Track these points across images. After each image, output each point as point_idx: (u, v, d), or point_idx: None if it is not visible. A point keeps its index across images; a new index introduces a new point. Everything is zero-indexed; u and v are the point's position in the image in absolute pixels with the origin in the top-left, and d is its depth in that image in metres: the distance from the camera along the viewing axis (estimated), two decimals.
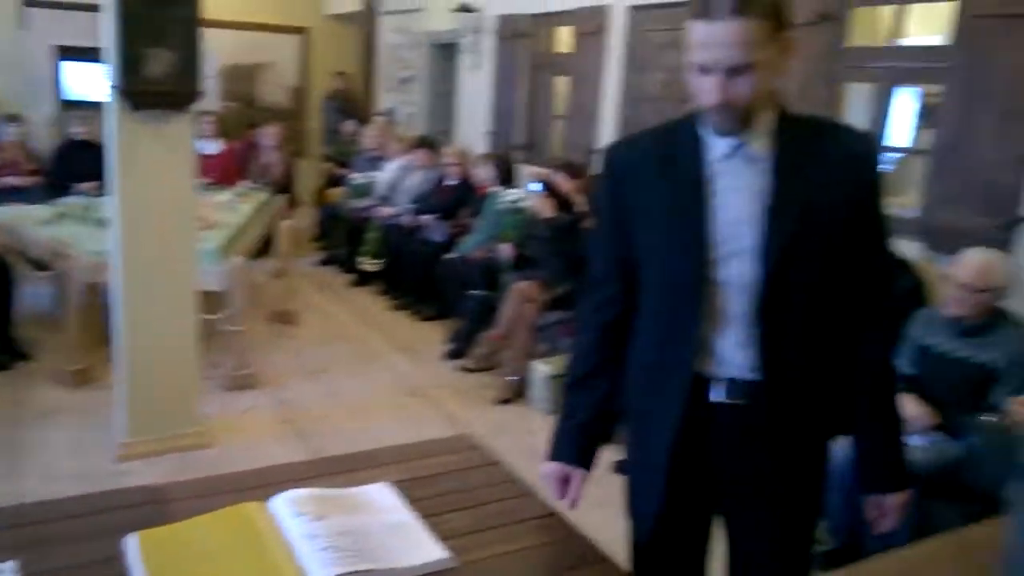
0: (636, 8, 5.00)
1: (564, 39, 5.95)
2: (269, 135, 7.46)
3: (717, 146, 1.44)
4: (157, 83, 3.20)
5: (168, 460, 3.33)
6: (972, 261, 2.77)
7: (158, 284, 3.30)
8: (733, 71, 1.31)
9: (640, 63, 4.99)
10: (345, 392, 4.30)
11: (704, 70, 1.34)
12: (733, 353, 1.47)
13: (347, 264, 6.78)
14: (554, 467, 1.66)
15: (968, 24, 3.24)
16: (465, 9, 6.60)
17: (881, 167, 1.48)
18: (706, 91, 1.35)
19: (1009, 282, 2.77)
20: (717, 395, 1.48)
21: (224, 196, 5.63)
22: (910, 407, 2.75)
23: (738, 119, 1.37)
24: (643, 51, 4.97)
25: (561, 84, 5.96)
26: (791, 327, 1.44)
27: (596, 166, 5.20)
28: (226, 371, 4.14)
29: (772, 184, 1.41)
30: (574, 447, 1.65)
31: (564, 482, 1.65)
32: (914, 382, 2.84)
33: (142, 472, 3.24)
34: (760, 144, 1.42)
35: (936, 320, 2.89)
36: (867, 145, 1.50)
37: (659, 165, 1.50)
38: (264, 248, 5.85)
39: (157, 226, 3.27)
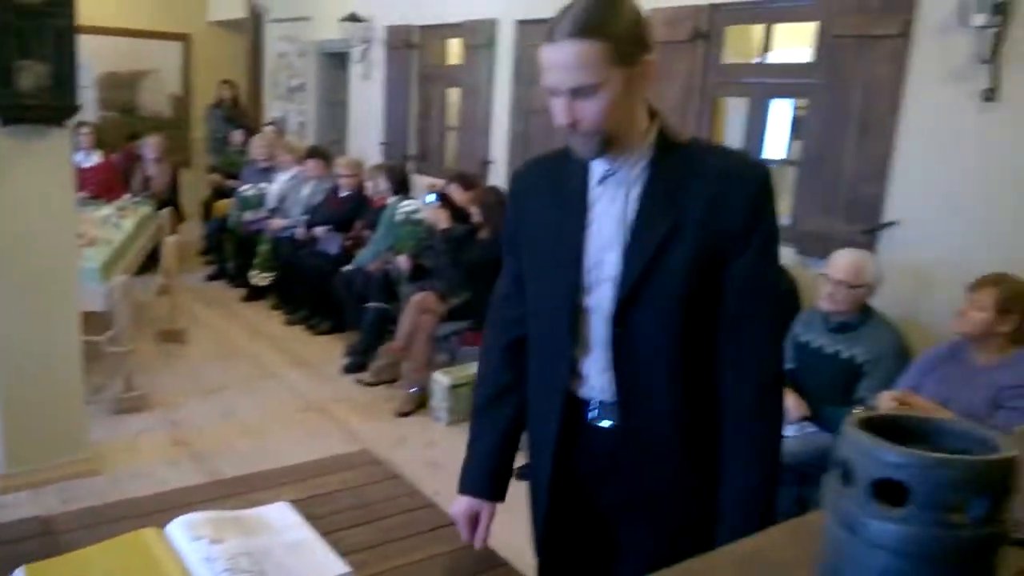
0: (523, 23, 5.11)
1: (455, 51, 6.00)
2: (151, 146, 7.22)
3: (597, 171, 1.46)
4: (30, 97, 3.06)
5: (54, 490, 3.19)
6: (845, 259, 3.01)
7: (38, 305, 3.16)
8: (577, 92, 1.32)
9: (529, 76, 5.11)
10: (240, 411, 4.21)
11: (552, 92, 1.36)
12: (598, 377, 1.49)
13: (237, 279, 6.63)
14: (463, 505, 1.62)
15: (828, 43, 3.48)
16: (354, 19, 6.57)
17: (766, 188, 1.40)
18: (556, 113, 1.37)
19: (877, 281, 3.01)
20: (592, 417, 1.52)
21: (104, 211, 5.43)
22: (787, 399, 2.94)
23: (599, 142, 1.37)
24: (531, 65, 5.08)
25: (454, 95, 6.01)
26: (645, 353, 1.43)
27: (490, 177, 5.29)
28: (113, 394, 3.98)
29: (636, 210, 1.41)
30: (483, 476, 1.63)
31: (474, 520, 1.62)
32: (792, 375, 3.05)
33: (26, 504, 3.08)
34: (636, 169, 1.42)
35: (813, 317, 3.12)
36: (750, 168, 1.43)
37: (551, 189, 1.52)
38: (149, 264, 5.66)
39: (35, 245, 3.13)
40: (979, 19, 2.84)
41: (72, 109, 3.17)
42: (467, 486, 1.64)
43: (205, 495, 1.72)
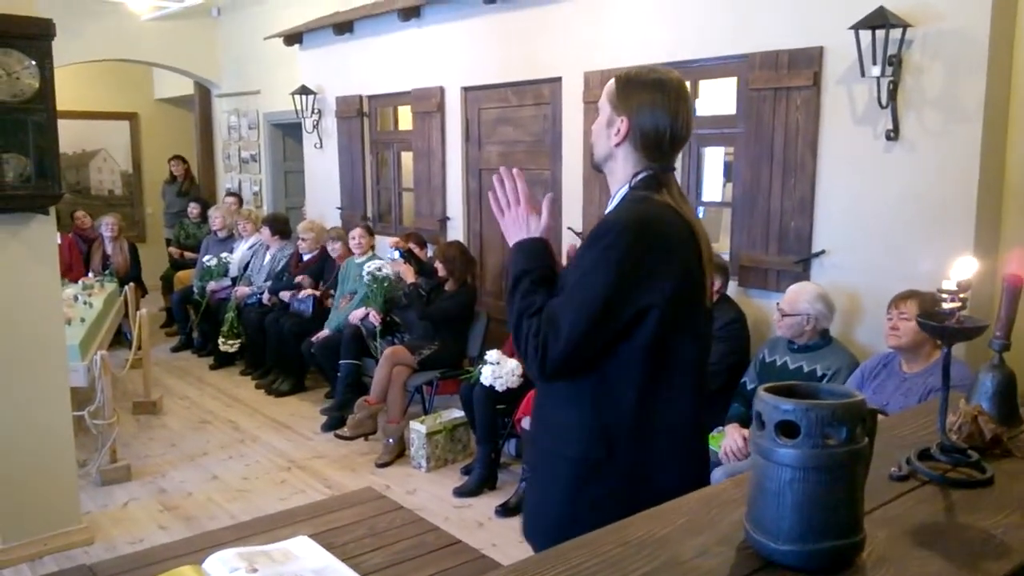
0: (467, 89, 5.46)
1: (406, 117, 6.31)
2: (107, 225, 7.35)
3: None
4: (14, 187, 3.25)
5: (52, 561, 3.29)
6: (789, 290, 3.40)
7: (31, 383, 3.30)
8: None
9: (478, 137, 5.43)
10: (224, 474, 4.35)
11: None
12: None
13: (203, 348, 6.76)
14: None
15: (747, 96, 3.87)
16: (304, 91, 6.86)
17: (598, 244, 1.59)
18: None
19: (815, 308, 3.33)
20: None
21: (69, 290, 5.54)
22: (736, 437, 3.24)
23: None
24: (479, 127, 5.42)
25: (408, 158, 6.30)
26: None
27: (448, 233, 5.57)
28: (99, 466, 4.10)
29: None
30: None
31: None
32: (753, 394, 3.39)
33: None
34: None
35: (778, 341, 3.49)
36: (598, 227, 1.65)
37: None
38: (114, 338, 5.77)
39: (26, 326, 3.28)
40: (875, 70, 3.24)
41: (56, 197, 3.37)
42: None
43: (231, 536, 1.91)
